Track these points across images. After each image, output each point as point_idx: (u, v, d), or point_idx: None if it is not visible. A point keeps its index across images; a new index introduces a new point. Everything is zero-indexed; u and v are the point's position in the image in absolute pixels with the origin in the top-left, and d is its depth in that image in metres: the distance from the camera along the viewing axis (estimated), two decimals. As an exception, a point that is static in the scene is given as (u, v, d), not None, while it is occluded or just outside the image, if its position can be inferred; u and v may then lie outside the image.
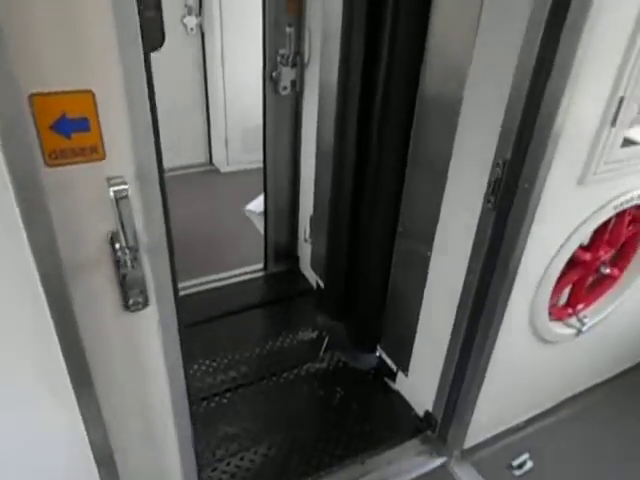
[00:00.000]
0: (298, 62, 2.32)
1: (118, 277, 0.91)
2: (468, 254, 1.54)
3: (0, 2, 0.64)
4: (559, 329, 1.76)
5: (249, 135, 3.87)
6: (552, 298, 1.66)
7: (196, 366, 2.18)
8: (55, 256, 0.80)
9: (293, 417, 1.99)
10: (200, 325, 2.41)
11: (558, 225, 1.48)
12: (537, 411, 2.05)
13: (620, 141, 1.38)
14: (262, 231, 2.85)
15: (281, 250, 2.86)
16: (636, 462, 1.94)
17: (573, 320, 1.79)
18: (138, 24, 0.75)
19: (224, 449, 1.83)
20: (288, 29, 2.22)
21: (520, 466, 1.85)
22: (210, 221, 3.45)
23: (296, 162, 2.62)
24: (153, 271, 0.95)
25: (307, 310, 2.59)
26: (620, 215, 1.62)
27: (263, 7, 2.25)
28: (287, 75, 2.34)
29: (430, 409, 1.91)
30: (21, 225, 0.74)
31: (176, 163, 4.00)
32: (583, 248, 1.66)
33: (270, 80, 2.36)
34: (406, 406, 2.05)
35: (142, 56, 0.77)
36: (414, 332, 1.91)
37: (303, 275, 2.84)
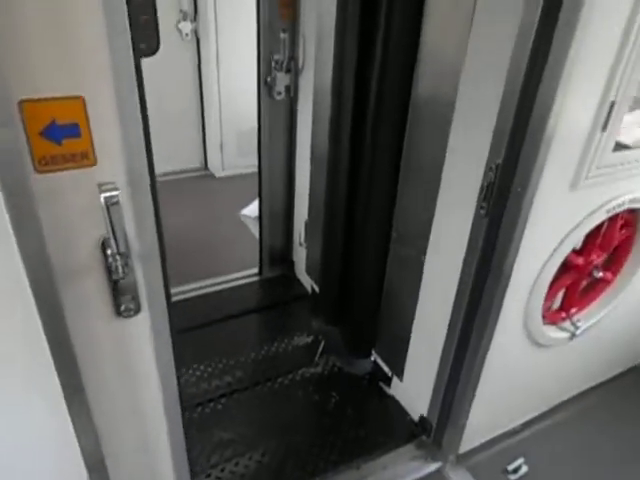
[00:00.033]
0: (292, 67, 2.33)
1: (110, 283, 0.91)
2: (462, 259, 1.54)
3: None
4: (553, 333, 1.77)
5: (244, 139, 3.87)
6: (546, 302, 1.67)
7: (191, 371, 2.17)
8: (45, 262, 0.80)
9: (288, 422, 1.99)
10: (195, 330, 2.40)
11: (551, 229, 1.49)
12: (532, 415, 2.05)
13: (612, 145, 1.40)
14: (257, 236, 2.84)
15: (276, 255, 2.86)
16: (631, 465, 1.94)
17: (567, 324, 1.80)
18: (129, 30, 0.75)
19: (219, 455, 1.82)
20: (282, 35, 2.23)
21: (515, 470, 1.85)
22: (205, 226, 3.44)
23: (291, 167, 2.62)
24: (145, 277, 0.95)
25: (302, 315, 2.59)
26: (612, 219, 1.63)
27: (257, 13, 2.25)
28: (282, 80, 2.35)
29: (425, 414, 1.91)
30: (11, 231, 0.74)
31: (171, 168, 4.00)
32: (576, 252, 1.67)
33: (265, 85, 2.37)
34: (401, 411, 2.05)
35: (133, 62, 0.77)
36: (409, 337, 1.91)
37: (298, 280, 2.84)
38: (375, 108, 1.76)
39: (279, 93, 2.37)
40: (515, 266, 1.44)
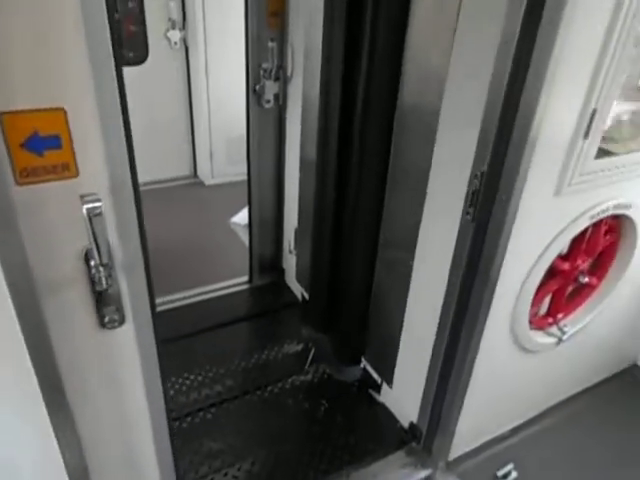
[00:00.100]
0: (281, 76, 2.34)
1: (93, 295, 0.91)
2: (449, 265, 1.55)
3: None
4: (540, 338, 1.78)
5: (233, 147, 3.87)
6: (532, 307, 1.68)
7: (181, 380, 2.16)
8: (27, 274, 0.79)
9: (278, 431, 1.97)
10: (185, 339, 2.39)
11: (536, 235, 1.50)
12: (521, 420, 2.06)
13: (594, 153, 1.42)
14: (247, 243, 2.84)
15: (266, 262, 2.86)
16: (620, 469, 1.96)
17: (554, 329, 1.81)
18: (110, 41, 0.75)
19: (207, 466, 1.81)
20: (270, 44, 2.25)
21: (505, 476, 1.85)
22: (195, 234, 3.43)
23: (280, 174, 2.63)
24: (129, 288, 0.94)
25: (292, 323, 2.58)
26: (597, 225, 1.65)
27: (245, 22, 2.26)
28: (270, 89, 2.36)
29: (415, 420, 1.91)
30: (-9, 244, 0.73)
31: (161, 176, 3.99)
32: (562, 257, 1.69)
33: (253, 93, 2.38)
34: (391, 418, 2.05)
35: (114, 73, 0.77)
36: (397, 343, 1.91)
37: (288, 287, 2.84)
38: (362, 115, 1.78)
39: (268, 101, 2.38)
40: (502, 271, 1.46)
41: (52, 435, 0.93)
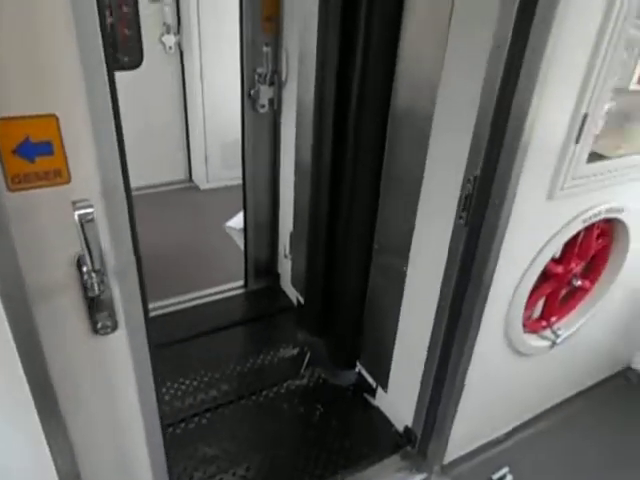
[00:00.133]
0: (276, 80, 2.34)
1: (86, 301, 0.90)
2: (442, 269, 1.55)
3: None
4: (534, 341, 1.79)
5: (228, 151, 3.88)
6: (526, 311, 1.69)
7: (176, 385, 2.15)
8: (19, 281, 0.79)
9: (273, 436, 1.97)
10: (180, 343, 2.38)
11: (529, 239, 1.51)
12: (516, 424, 2.06)
13: (585, 157, 1.43)
14: (242, 248, 2.84)
15: (261, 267, 2.86)
16: (615, 471, 1.96)
17: (547, 332, 1.82)
18: (102, 47, 0.75)
19: (202, 471, 1.80)
20: (265, 48, 2.25)
21: (500, 480, 1.86)
22: (190, 238, 3.43)
23: (275, 179, 2.63)
24: (122, 293, 0.94)
25: (288, 327, 2.58)
26: (589, 229, 1.66)
27: (240, 26, 2.27)
28: (265, 93, 2.36)
29: (410, 424, 1.91)
30: (-18, 250, 0.73)
31: (156, 180, 3.99)
32: (555, 261, 1.69)
33: (248, 98, 2.38)
34: (386, 422, 2.05)
35: (106, 79, 0.77)
36: (392, 348, 1.91)
37: (284, 292, 2.84)
38: (356, 120, 1.79)
39: (262, 106, 2.38)
40: (495, 275, 1.46)
41: (44, 442, 0.92)
